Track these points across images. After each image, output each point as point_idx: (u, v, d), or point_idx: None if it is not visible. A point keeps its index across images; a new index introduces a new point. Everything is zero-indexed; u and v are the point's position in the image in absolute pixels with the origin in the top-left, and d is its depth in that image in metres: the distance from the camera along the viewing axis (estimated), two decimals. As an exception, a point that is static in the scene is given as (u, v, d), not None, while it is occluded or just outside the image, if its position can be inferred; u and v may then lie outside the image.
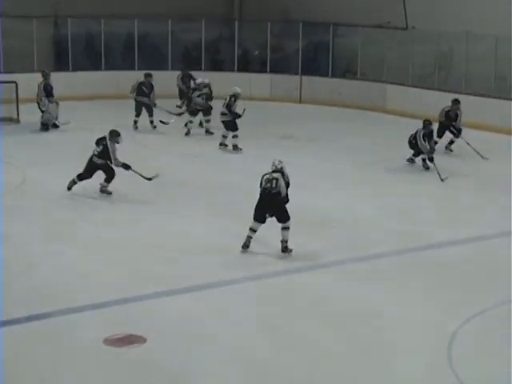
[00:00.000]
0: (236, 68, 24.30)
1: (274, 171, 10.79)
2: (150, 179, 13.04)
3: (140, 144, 16.97)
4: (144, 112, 18.57)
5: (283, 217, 10.71)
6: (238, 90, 17.12)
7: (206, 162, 15.95)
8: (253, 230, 10.72)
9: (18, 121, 18.76)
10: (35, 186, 13.72)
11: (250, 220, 10.69)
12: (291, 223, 10.65)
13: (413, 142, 15.53)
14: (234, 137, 16.77)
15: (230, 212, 12.29)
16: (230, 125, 16.79)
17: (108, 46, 23.30)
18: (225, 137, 16.94)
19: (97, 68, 23.00)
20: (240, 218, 11.19)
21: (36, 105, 18.27)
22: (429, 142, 15.40)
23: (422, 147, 15.36)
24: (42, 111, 18.13)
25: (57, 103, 18.29)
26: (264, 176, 10.80)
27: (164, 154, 16.37)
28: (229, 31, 25.12)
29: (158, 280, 9.71)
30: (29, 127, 18.28)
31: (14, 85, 18.90)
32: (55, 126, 18.26)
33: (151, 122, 18.52)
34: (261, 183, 10.77)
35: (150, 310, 8.97)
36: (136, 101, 18.57)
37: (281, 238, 10.72)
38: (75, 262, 10.23)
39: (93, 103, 21.33)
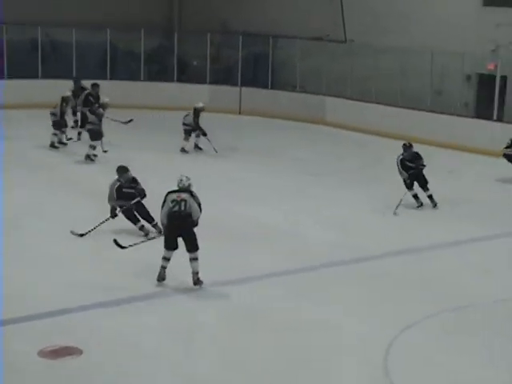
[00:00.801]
0: (175, 78, 24.20)
1: (180, 190, 9.77)
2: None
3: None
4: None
5: (193, 245, 9.66)
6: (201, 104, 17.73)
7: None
8: (166, 259, 9.73)
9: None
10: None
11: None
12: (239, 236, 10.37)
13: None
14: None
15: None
16: None
17: (45, 54, 22.97)
18: None
19: (34, 76, 22.61)
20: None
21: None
22: (410, 167, 13.82)
23: (400, 174, 13.89)
24: None
25: None
26: (168, 195, 9.76)
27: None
28: (168, 41, 25.05)
29: (95, 291, 9.58)
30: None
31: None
32: None
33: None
34: (164, 202, 9.76)
35: (86, 321, 8.82)
36: (82, 112, 18.34)
37: (191, 270, 9.76)
38: (11, 274, 9.99)
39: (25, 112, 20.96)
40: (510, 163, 15.86)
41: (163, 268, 9.77)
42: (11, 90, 21.32)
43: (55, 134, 17.42)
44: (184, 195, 9.69)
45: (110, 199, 11.72)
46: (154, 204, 10.03)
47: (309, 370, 7.96)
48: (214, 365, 7.98)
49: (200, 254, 9.75)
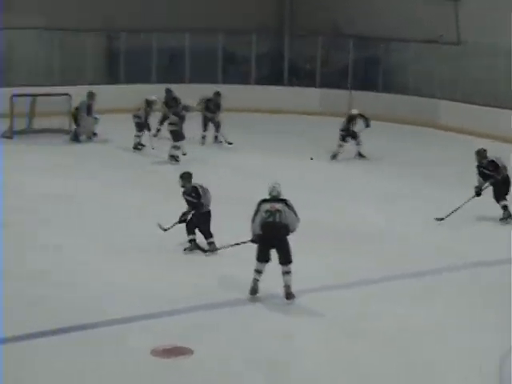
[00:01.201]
0: (285, 82, 24.31)
1: (274, 199, 9.39)
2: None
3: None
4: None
5: (286, 258, 9.30)
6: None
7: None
8: (258, 272, 9.40)
9: (68, 132, 19.00)
10: (87, 196, 13.86)
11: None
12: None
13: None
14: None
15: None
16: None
17: (159, 59, 23.51)
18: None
19: (148, 81, 23.17)
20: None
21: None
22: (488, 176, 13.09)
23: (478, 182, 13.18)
24: (78, 124, 18.57)
25: (96, 119, 18.73)
26: (262, 204, 9.36)
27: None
28: (279, 45, 25.19)
29: (206, 292, 9.71)
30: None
31: (67, 97, 19.18)
32: (89, 139, 18.76)
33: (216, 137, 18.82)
34: (257, 212, 9.36)
35: (198, 322, 8.96)
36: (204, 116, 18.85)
37: (283, 284, 9.40)
38: (127, 275, 10.25)
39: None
40: None
41: (256, 280, 9.43)
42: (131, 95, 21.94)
43: (138, 136, 17.81)
44: (278, 205, 9.29)
45: None
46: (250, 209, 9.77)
47: (421, 376, 7.86)
48: (324, 365, 7.96)
49: (301, 258, 9.53)
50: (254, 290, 9.47)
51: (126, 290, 9.67)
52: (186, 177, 11.28)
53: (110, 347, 8.27)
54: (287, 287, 9.40)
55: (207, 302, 9.44)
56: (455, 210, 12.78)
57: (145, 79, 23.10)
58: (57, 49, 22.24)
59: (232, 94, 21.69)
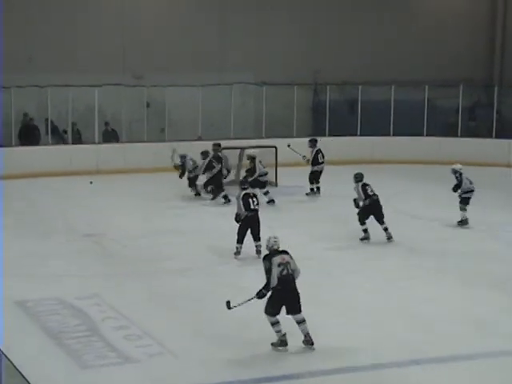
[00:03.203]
0: (494, 134, 23.64)
1: (279, 251, 9.46)
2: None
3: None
4: None
5: (297, 307, 9.29)
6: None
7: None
8: (277, 323, 9.30)
9: (275, 184, 19.43)
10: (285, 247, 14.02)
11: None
12: None
13: None
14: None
15: (485, 282, 11.83)
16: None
17: (365, 112, 23.66)
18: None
19: (352, 133, 23.35)
20: (498, 287, 10.66)
21: (293, 169, 19.15)
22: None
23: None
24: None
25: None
26: (272, 258, 9.35)
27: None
28: (487, 96, 24.60)
29: (413, 347, 9.50)
30: (283, 190, 18.94)
31: (273, 149, 19.69)
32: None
33: None
34: (269, 269, 9.29)
35: (404, 377, 8.78)
36: None
37: (303, 333, 9.33)
38: (321, 324, 10.25)
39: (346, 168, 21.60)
40: None
41: (280, 333, 9.30)
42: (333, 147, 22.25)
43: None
44: (287, 257, 9.41)
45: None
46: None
47: None
48: None
49: None
50: (284, 342, 9.32)
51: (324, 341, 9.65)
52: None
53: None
54: (307, 335, 9.34)
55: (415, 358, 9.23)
56: None
57: (348, 132, 23.28)
58: (265, 103, 22.96)
59: (435, 146, 21.49)
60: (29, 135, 21.28)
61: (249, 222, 13.06)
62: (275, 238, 9.61)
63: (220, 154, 18.21)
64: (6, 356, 5.72)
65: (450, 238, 14.70)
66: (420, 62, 25.47)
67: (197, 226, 15.26)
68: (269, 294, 9.39)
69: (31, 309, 10.50)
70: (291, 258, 9.49)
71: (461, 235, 14.91)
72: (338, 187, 18.20)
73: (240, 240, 13.13)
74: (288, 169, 20.03)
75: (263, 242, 10.54)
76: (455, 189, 15.35)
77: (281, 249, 9.56)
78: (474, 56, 26.50)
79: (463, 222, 15.35)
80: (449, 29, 26.61)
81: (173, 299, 11.09)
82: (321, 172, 18.53)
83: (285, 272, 9.31)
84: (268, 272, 9.35)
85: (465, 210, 15.35)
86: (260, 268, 12.37)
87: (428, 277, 12.25)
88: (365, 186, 14.28)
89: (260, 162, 17.58)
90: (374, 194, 14.20)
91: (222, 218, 15.62)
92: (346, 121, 23.78)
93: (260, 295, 9.47)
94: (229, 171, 18.43)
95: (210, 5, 24.50)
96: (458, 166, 15.54)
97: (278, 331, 9.34)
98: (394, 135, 23.27)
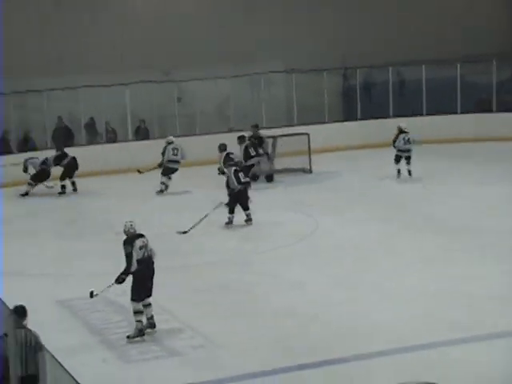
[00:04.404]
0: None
1: (137, 235, 9.54)
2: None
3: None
4: None
5: (151, 290, 9.54)
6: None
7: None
8: (140, 313, 9.48)
9: (310, 171, 19.42)
10: (327, 233, 14.05)
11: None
12: None
13: None
14: None
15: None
16: None
17: (396, 93, 23.46)
18: None
19: (386, 115, 23.14)
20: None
21: (327, 155, 19.08)
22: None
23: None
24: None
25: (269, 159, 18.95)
26: (134, 242, 9.42)
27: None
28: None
29: (453, 326, 9.43)
30: (319, 177, 18.91)
31: (306, 136, 19.65)
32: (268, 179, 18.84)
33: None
34: (130, 253, 9.38)
35: (444, 357, 8.72)
36: None
37: (147, 316, 9.58)
38: (367, 309, 10.23)
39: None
40: None
41: (140, 323, 9.44)
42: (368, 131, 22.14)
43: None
44: (145, 240, 9.54)
45: None
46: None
47: None
48: None
49: None
50: (142, 332, 9.46)
51: (369, 325, 9.65)
52: None
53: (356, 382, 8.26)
54: (152, 317, 9.58)
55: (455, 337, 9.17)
56: None
57: (381, 114, 23.09)
58: (295, 90, 22.90)
59: (469, 123, 21.29)
60: (62, 137, 21.44)
61: (241, 194, 14.54)
62: (131, 221, 9.70)
63: (260, 134, 18.71)
64: (49, 352, 5.80)
65: (487, 216, 14.53)
66: (451, 37, 25.15)
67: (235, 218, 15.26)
68: (130, 280, 9.48)
69: (74, 307, 10.61)
70: (147, 240, 9.60)
71: (501, 213, 14.73)
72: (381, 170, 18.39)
73: (232, 210, 14.55)
74: (322, 155, 19.99)
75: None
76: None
77: (138, 232, 9.62)
78: (507, 29, 26.14)
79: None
80: (481, 2, 26.28)
81: (213, 291, 11.12)
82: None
83: (146, 254, 9.46)
84: (129, 256, 9.45)
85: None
86: (300, 256, 12.58)
87: (468, 255, 12.15)
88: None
89: (174, 149, 18.01)
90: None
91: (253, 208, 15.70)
92: (377, 103, 23.61)
93: (119, 280, 9.58)
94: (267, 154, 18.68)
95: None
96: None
97: (139, 321, 9.45)
98: (427, 114, 23.06)
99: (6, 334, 6.59)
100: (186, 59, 23.08)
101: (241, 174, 14.70)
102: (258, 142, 18.67)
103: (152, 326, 9.62)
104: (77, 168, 18.55)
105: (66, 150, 18.92)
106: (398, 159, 18.10)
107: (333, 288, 11.04)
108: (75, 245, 13.93)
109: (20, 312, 7.12)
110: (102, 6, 23.24)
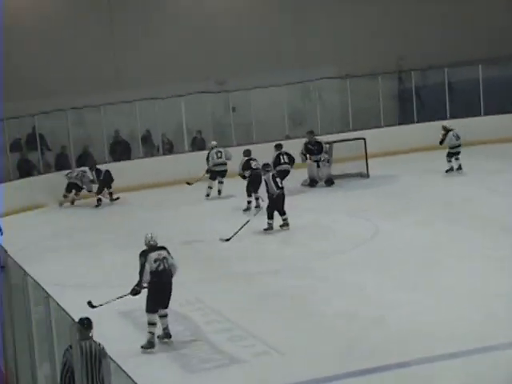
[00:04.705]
0: None
1: (155, 247, 9.68)
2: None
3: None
4: None
5: (166, 302, 9.68)
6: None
7: None
8: (153, 325, 9.60)
9: (367, 176, 19.31)
10: (387, 237, 13.94)
11: None
12: None
13: None
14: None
15: None
16: None
17: (453, 94, 23.15)
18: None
19: (442, 117, 22.81)
20: None
21: (384, 159, 19.40)
22: None
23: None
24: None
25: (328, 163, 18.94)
26: (148, 254, 9.58)
27: None
28: None
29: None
30: (376, 182, 18.80)
31: (362, 141, 19.55)
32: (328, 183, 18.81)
33: None
34: (143, 265, 9.57)
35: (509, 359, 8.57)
36: None
37: (163, 326, 9.73)
38: (429, 311, 10.11)
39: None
40: None
41: (152, 334, 9.53)
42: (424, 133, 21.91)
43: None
44: (163, 252, 9.62)
45: None
46: None
47: None
48: None
49: None
50: (151, 345, 9.53)
51: (432, 327, 9.53)
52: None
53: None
54: (166, 328, 9.72)
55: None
56: None
57: (439, 116, 22.78)
58: (349, 95, 22.81)
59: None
60: (119, 151, 21.74)
61: (279, 199, 14.56)
62: (151, 234, 9.83)
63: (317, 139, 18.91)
64: (114, 362, 5.86)
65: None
66: (505, 36, 24.76)
67: (294, 224, 15.23)
68: (146, 291, 9.59)
69: (137, 318, 10.72)
70: (168, 253, 9.67)
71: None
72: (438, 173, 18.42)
73: (272, 216, 14.57)
74: (379, 159, 19.88)
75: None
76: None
77: (159, 245, 9.72)
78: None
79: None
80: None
81: (272, 298, 11.13)
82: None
83: (161, 267, 9.53)
84: (141, 267, 9.57)
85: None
86: (360, 260, 12.52)
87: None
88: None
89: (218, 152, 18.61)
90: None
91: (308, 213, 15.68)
92: (433, 105, 23.33)
93: (133, 292, 9.72)
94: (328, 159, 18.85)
95: (286, 2, 24.55)
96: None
97: (150, 332, 9.53)
98: (485, 115, 22.73)
99: (70, 346, 6.69)
100: (239, 69, 23.19)
101: (278, 180, 14.77)
102: (316, 147, 18.77)
103: (168, 336, 9.74)
104: (112, 180, 19.14)
105: (124, 163, 19.24)
106: (451, 156, 18.42)
107: (395, 291, 10.97)
108: (136, 256, 14.05)
109: (85, 324, 7.22)
110: (155, 18, 23.50)
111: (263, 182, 15.17)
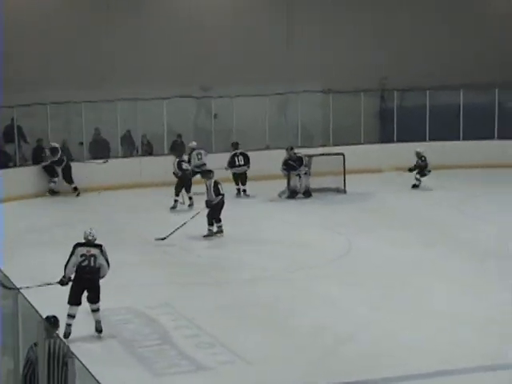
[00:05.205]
0: None
1: (88, 244, 9.88)
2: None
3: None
4: None
5: (96, 296, 9.86)
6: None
7: None
8: (72, 316, 9.78)
9: (344, 191, 19.34)
10: (361, 253, 13.96)
11: None
12: None
13: None
14: None
15: None
16: None
17: (432, 117, 23.27)
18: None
19: (422, 139, 22.97)
20: None
21: (362, 176, 19.57)
22: None
23: None
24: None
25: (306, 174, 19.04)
26: (77, 247, 9.83)
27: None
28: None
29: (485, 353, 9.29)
30: (353, 197, 18.85)
31: (341, 156, 19.59)
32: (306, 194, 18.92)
33: None
34: (72, 254, 9.81)
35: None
36: None
37: (94, 320, 9.96)
38: (397, 330, 10.12)
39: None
40: None
41: (68, 326, 9.68)
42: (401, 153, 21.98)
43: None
44: (94, 251, 9.75)
45: None
46: None
47: None
48: None
49: None
50: (67, 334, 9.67)
51: (398, 346, 9.54)
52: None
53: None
54: (98, 322, 9.93)
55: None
56: None
57: (418, 137, 22.90)
58: (331, 110, 22.89)
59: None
60: (99, 149, 21.63)
61: (217, 206, 14.76)
62: (91, 229, 9.99)
63: (299, 155, 19.09)
64: (80, 361, 5.79)
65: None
66: (488, 63, 24.96)
67: (269, 235, 15.24)
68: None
69: (106, 318, 10.64)
70: (102, 252, 9.82)
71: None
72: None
73: (212, 222, 14.76)
74: (356, 176, 19.92)
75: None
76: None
77: (97, 242, 9.91)
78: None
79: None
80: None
81: (243, 307, 11.11)
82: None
83: (85, 263, 9.73)
84: (68, 259, 9.83)
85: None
86: (332, 275, 12.52)
87: (503, 280, 12.00)
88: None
89: (198, 154, 19.25)
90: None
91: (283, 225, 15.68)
92: (413, 126, 23.44)
93: (60, 282, 9.93)
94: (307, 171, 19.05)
95: (276, 15, 24.54)
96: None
97: (68, 324, 9.70)
98: (463, 139, 22.90)
99: (35, 344, 6.61)
100: (225, 77, 23.12)
101: (220, 186, 14.95)
102: (297, 163, 18.83)
103: (97, 330, 9.95)
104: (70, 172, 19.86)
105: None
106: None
107: (367, 307, 10.99)
108: (110, 256, 13.96)
109: (52, 322, 7.15)
110: (143, 21, 23.37)
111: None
